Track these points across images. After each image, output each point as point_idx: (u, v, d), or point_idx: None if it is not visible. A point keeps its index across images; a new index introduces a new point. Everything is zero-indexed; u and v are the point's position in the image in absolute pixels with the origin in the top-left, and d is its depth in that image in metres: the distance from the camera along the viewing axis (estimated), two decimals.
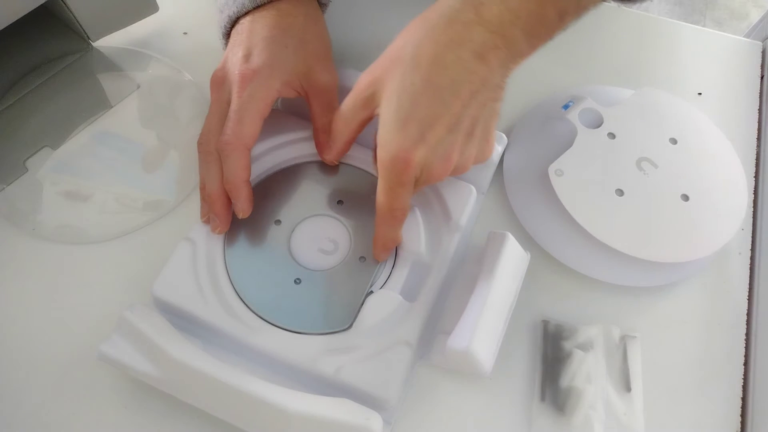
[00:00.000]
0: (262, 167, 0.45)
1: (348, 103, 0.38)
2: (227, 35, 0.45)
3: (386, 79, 0.34)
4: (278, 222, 0.43)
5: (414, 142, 0.33)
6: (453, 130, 0.34)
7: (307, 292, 0.40)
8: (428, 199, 0.43)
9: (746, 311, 0.44)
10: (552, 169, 0.44)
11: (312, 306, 0.40)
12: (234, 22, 0.44)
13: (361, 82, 0.37)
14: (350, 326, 0.39)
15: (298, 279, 0.41)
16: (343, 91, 0.46)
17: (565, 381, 0.40)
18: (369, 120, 0.38)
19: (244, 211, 0.41)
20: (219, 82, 0.42)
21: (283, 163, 0.45)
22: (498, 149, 0.45)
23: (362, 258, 0.41)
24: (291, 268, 0.41)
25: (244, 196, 0.41)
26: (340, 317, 0.39)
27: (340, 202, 0.44)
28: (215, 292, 0.40)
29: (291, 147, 0.46)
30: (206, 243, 0.41)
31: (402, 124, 0.33)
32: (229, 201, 0.41)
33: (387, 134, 0.34)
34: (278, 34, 0.42)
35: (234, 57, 0.42)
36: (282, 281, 0.41)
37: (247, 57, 0.41)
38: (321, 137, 0.43)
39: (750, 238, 0.47)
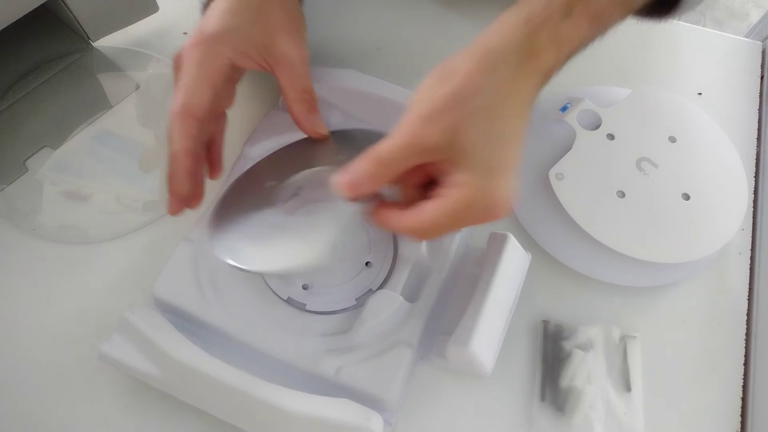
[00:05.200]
0: None
1: (400, 149, 0.33)
2: None
3: (465, 128, 0.32)
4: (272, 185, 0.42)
5: (509, 189, 0.34)
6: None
7: (286, 231, 0.39)
8: None
9: (746, 311, 0.44)
10: (552, 173, 0.44)
11: (288, 243, 0.39)
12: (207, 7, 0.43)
13: (422, 131, 0.33)
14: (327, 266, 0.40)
15: (277, 224, 0.39)
16: (343, 92, 0.46)
17: (565, 381, 0.40)
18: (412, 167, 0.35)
19: (180, 185, 0.38)
20: (178, 61, 0.41)
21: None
22: None
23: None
24: (272, 214, 0.40)
25: (182, 169, 0.38)
26: (319, 251, 0.37)
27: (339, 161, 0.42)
28: (215, 293, 0.40)
29: None
30: (207, 243, 0.41)
31: (502, 172, 0.33)
32: (185, 182, 0.39)
33: (487, 181, 0.33)
34: (235, 5, 0.41)
35: (191, 33, 0.41)
36: (262, 223, 0.40)
37: (200, 28, 0.40)
38: (295, 108, 0.42)
39: (750, 238, 0.47)
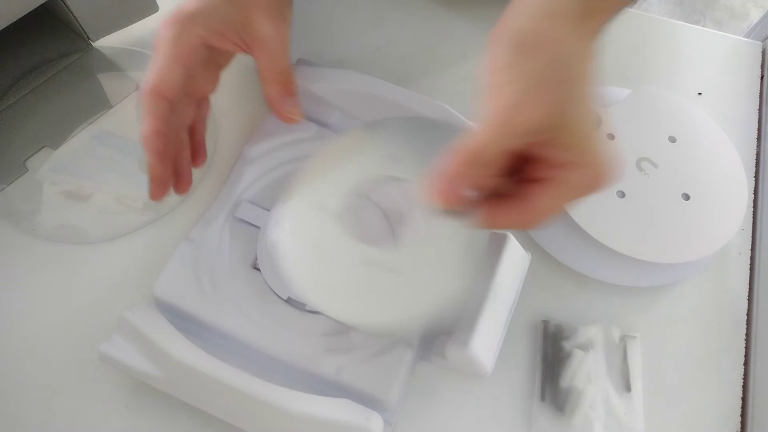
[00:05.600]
0: (263, 167, 0.45)
1: (495, 137, 0.29)
2: None
3: (567, 103, 0.30)
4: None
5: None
6: None
7: (397, 277, 0.33)
8: None
9: (746, 311, 0.44)
10: None
11: (409, 296, 0.32)
12: None
13: (521, 114, 0.29)
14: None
15: (372, 262, 0.33)
16: (343, 92, 0.46)
17: (565, 381, 0.40)
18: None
19: (152, 168, 0.38)
20: (155, 44, 0.40)
21: (286, 163, 0.45)
22: None
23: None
24: (353, 245, 0.34)
25: (152, 149, 0.37)
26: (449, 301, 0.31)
27: (392, 157, 0.36)
28: (215, 293, 0.40)
29: (292, 147, 0.46)
30: (207, 243, 0.41)
31: (599, 139, 0.31)
32: (155, 164, 0.38)
33: (594, 155, 0.30)
34: None
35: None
36: (349, 259, 0.33)
37: (177, 8, 0.39)
38: (268, 91, 0.41)
39: (750, 238, 0.47)
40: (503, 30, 0.31)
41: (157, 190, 0.39)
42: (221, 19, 0.39)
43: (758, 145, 0.51)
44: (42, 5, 0.47)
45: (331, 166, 0.37)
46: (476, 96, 0.31)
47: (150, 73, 0.38)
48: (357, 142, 0.37)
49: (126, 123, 0.50)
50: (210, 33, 0.39)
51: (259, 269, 0.42)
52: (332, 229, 0.35)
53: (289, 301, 0.41)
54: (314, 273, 0.34)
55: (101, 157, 0.48)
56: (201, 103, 0.43)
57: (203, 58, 0.39)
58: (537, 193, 0.31)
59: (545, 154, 0.31)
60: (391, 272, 0.33)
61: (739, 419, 0.41)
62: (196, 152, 0.43)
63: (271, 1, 0.41)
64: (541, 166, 0.31)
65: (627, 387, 0.41)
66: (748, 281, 0.46)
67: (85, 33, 0.52)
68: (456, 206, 0.30)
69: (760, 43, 0.57)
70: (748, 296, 0.45)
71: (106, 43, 0.53)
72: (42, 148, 0.48)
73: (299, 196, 0.36)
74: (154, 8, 0.53)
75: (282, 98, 0.41)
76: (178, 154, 0.42)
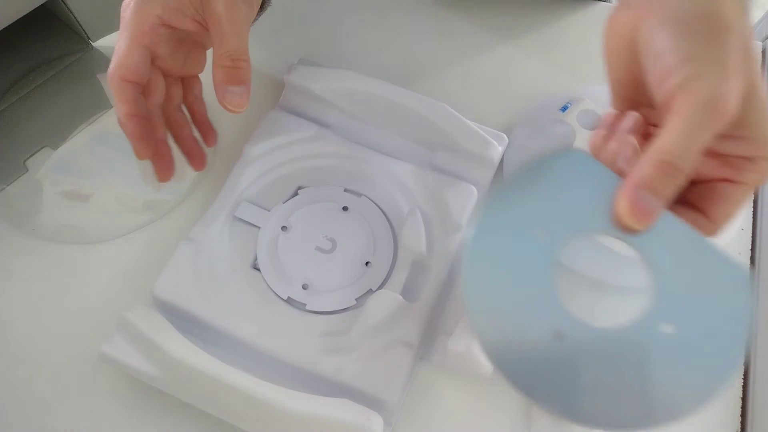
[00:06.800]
0: (263, 167, 0.45)
1: (697, 139, 0.26)
2: None
3: (756, 90, 0.27)
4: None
5: None
6: None
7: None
8: (429, 199, 0.43)
9: None
10: None
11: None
12: None
13: (723, 108, 0.26)
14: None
15: (558, 332, 0.26)
16: (343, 92, 0.46)
17: None
18: None
19: (137, 152, 0.38)
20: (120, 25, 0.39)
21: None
22: (498, 149, 0.45)
23: None
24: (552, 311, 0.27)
25: (128, 132, 0.37)
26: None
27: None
28: (216, 293, 0.40)
29: (291, 147, 0.46)
30: (207, 243, 0.41)
31: None
32: (136, 146, 0.38)
33: None
34: None
35: None
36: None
37: None
38: (213, 74, 0.37)
39: (750, 238, 0.47)
40: (665, 14, 0.27)
41: (161, 172, 0.40)
42: None
43: None
44: (42, 5, 0.47)
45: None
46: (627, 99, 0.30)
47: (113, 57, 0.37)
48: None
49: None
50: (167, 12, 0.37)
51: (259, 269, 0.42)
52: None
53: (289, 301, 0.41)
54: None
55: (101, 157, 0.48)
56: (190, 82, 0.43)
57: (168, 37, 0.38)
58: (717, 201, 0.29)
59: (722, 149, 0.28)
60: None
61: (739, 419, 0.41)
62: (205, 132, 0.43)
63: None
64: (715, 162, 0.28)
65: None
66: None
67: (85, 33, 0.52)
68: (652, 223, 0.26)
69: (760, 43, 0.57)
70: None
71: (106, 43, 0.53)
72: (42, 148, 0.48)
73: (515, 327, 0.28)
74: None
75: (224, 85, 0.37)
76: (178, 134, 0.42)
